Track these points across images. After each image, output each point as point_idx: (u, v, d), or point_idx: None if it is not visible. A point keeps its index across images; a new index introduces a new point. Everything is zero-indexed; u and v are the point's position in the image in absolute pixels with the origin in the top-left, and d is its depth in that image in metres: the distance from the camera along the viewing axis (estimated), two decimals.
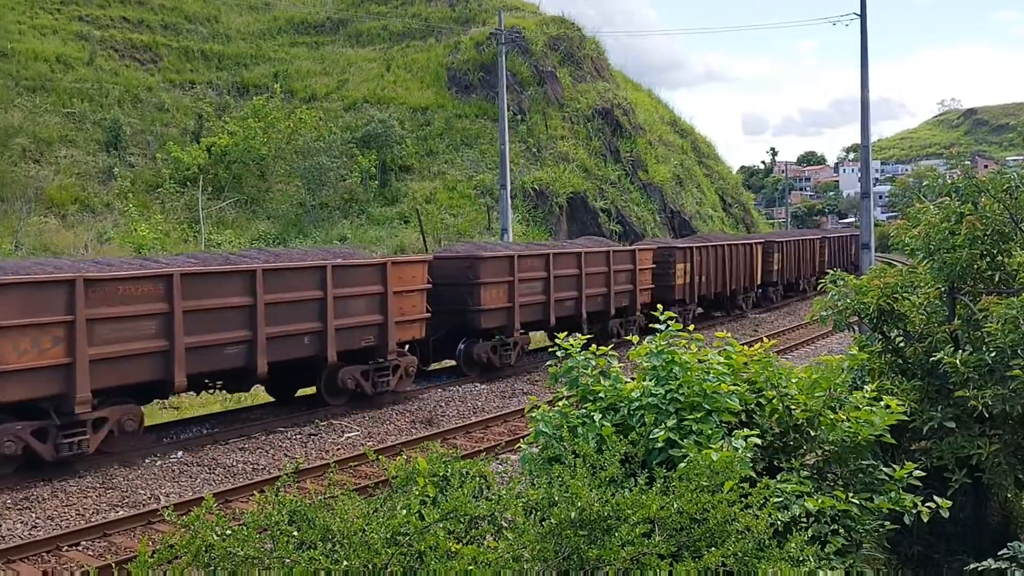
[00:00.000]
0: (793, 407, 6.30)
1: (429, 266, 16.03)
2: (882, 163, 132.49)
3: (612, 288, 20.52)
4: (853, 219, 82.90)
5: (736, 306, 28.06)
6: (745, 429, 5.88)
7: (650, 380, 6.36)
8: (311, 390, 15.03)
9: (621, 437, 5.67)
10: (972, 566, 5.90)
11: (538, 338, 21.56)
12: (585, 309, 19.59)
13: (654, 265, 22.49)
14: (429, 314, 15.71)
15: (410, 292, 15.22)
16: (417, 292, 15.42)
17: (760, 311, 30.02)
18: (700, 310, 26.43)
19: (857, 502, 5.78)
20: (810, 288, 36.35)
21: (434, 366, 17.93)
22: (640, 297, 21.65)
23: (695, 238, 30.34)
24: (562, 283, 18.99)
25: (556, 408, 6.44)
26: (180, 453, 12.19)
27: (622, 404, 6.27)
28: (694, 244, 25.11)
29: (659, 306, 7.40)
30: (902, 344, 8.54)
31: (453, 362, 17.87)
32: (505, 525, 4.92)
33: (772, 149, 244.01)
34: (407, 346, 15.76)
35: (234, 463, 11.84)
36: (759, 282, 29.65)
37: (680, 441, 5.76)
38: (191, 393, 13.81)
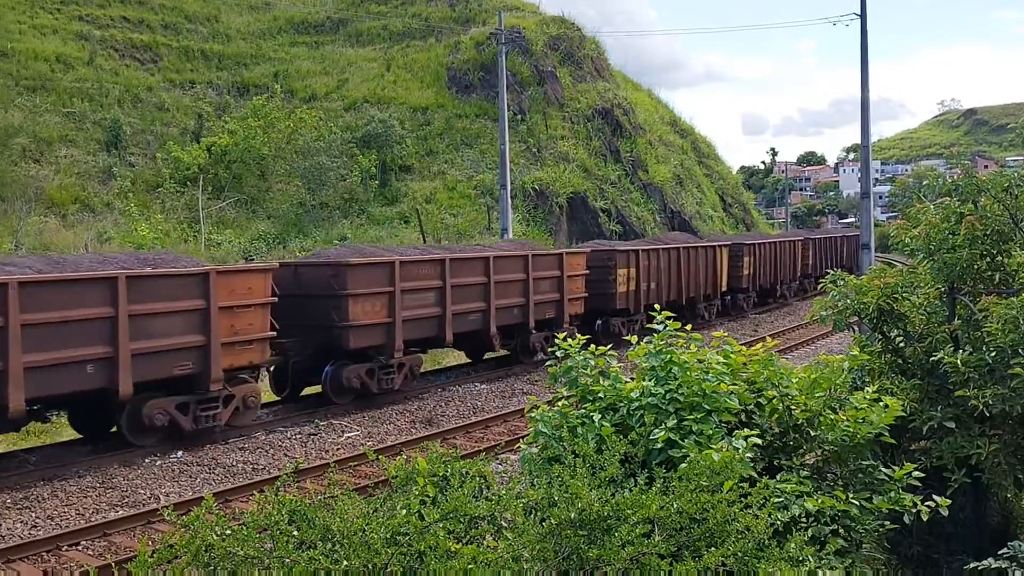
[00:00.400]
0: (793, 407, 6.31)
1: (282, 274, 13.85)
2: (882, 163, 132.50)
3: (532, 298, 17.95)
4: (853, 219, 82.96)
5: (697, 315, 24.95)
6: (745, 429, 5.89)
7: (649, 380, 6.36)
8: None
9: (621, 437, 5.68)
10: (972, 566, 5.91)
11: (455, 356, 19.91)
12: (495, 323, 17.07)
13: (588, 271, 20.00)
14: (274, 333, 13.20)
15: (245, 308, 12.64)
16: (256, 307, 12.82)
17: (729, 320, 27.65)
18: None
19: (857, 502, 5.78)
20: (790, 295, 34.05)
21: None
22: (570, 308, 19.18)
23: (646, 240, 28.01)
24: (463, 293, 16.38)
25: (555, 408, 6.45)
26: (180, 453, 12.19)
27: (622, 404, 6.28)
28: (640, 247, 22.83)
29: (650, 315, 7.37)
30: (902, 344, 8.56)
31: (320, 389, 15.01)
32: (505, 525, 4.92)
33: (772, 149, 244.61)
34: (270, 369, 13.69)
35: (234, 463, 11.84)
36: (725, 289, 27.12)
37: (680, 441, 5.76)
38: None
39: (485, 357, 19.21)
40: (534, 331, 18.28)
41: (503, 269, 17.43)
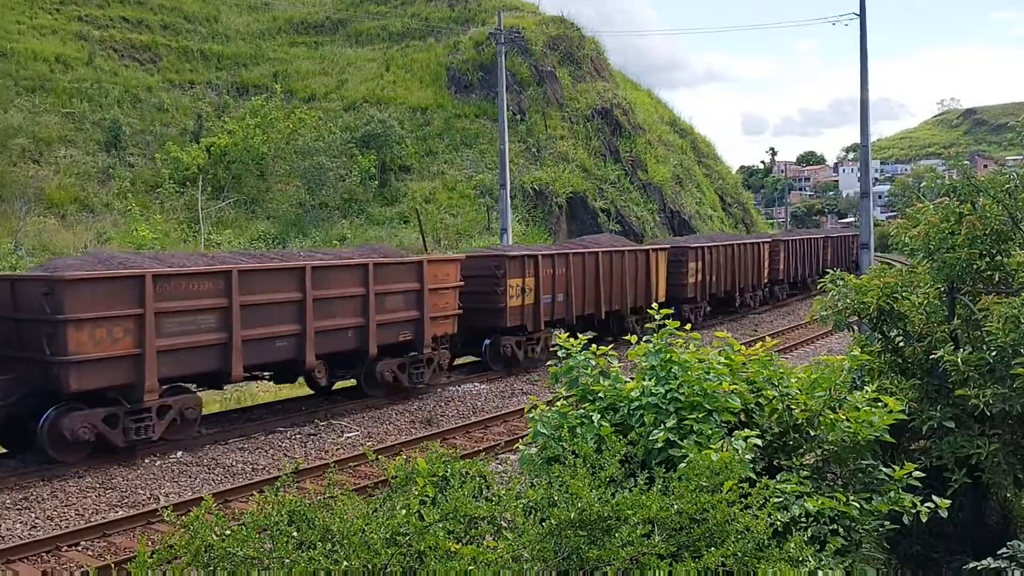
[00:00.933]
0: (793, 407, 6.30)
1: None
2: (882, 163, 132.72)
3: (373, 317, 14.47)
4: (853, 219, 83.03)
5: (624, 330, 20.85)
6: (745, 429, 5.88)
7: (649, 380, 6.35)
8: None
9: (620, 437, 5.67)
10: (971, 565, 5.90)
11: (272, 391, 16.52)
12: (314, 350, 13.58)
13: (462, 282, 16.63)
14: None
15: None
16: None
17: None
18: (588, 333, 20.98)
19: (857, 503, 5.78)
20: (755, 304, 30.16)
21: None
22: (433, 328, 15.82)
23: (558, 245, 24.89)
24: (262, 314, 12.86)
25: (555, 408, 6.44)
26: (180, 453, 12.19)
27: (622, 404, 6.27)
28: (540, 252, 19.22)
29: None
30: (902, 344, 8.55)
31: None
32: (505, 525, 4.92)
33: (772, 149, 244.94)
34: None
35: (233, 463, 11.84)
36: (663, 300, 22.28)
37: (680, 441, 5.76)
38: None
39: (336, 387, 15.71)
40: (381, 358, 14.92)
41: (328, 282, 13.89)
